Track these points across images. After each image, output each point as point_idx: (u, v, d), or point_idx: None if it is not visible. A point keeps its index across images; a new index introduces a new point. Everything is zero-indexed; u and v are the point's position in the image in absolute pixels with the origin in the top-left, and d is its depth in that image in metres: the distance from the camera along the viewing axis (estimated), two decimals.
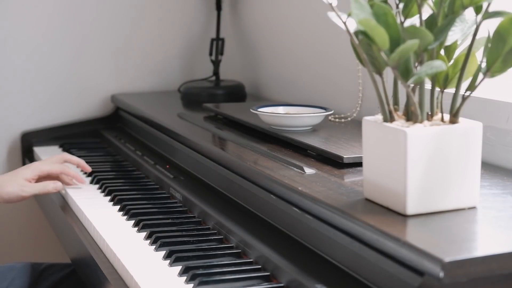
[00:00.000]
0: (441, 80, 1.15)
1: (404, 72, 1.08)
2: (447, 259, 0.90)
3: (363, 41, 1.08)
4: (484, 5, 1.06)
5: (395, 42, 1.05)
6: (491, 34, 1.05)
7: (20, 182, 1.67)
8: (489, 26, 1.08)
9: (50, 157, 1.79)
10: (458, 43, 1.15)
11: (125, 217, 1.54)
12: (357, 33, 1.08)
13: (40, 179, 1.73)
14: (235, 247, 1.32)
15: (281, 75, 2.26)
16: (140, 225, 1.46)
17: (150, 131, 2.04)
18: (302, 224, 1.22)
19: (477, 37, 1.09)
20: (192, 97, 2.31)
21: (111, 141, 2.22)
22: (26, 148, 2.32)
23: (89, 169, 1.82)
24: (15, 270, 1.73)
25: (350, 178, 1.31)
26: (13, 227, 2.40)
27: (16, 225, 2.40)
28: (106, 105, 2.45)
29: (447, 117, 1.11)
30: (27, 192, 1.67)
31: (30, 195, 1.68)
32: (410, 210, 1.06)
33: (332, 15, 1.10)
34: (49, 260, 2.20)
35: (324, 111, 1.67)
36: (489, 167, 1.37)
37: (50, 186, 1.68)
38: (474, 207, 1.10)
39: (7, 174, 1.73)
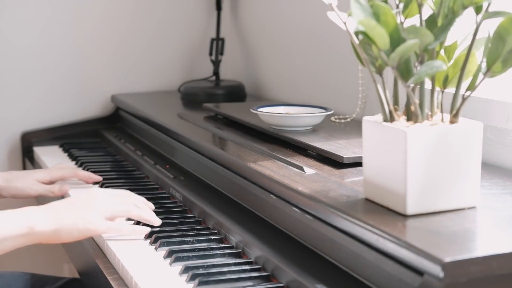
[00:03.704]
0: (441, 80, 1.15)
1: (404, 72, 1.08)
2: (447, 259, 0.90)
3: (363, 41, 1.08)
4: (484, 5, 1.06)
5: (395, 42, 1.05)
6: (491, 34, 1.05)
7: (31, 181, 1.73)
8: (489, 26, 1.08)
9: (61, 166, 1.83)
10: (458, 43, 1.15)
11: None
12: (357, 33, 1.08)
13: (51, 183, 1.77)
14: (235, 247, 1.32)
15: (281, 75, 2.26)
16: (140, 225, 1.46)
17: (150, 131, 2.04)
18: (302, 224, 1.22)
19: (477, 37, 1.09)
20: (192, 97, 2.31)
21: (111, 141, 2.22)
22: (26, 148, 2.32)
23: (98, 178, 1.81)
24: (11, 279, 1.71)
25: (350, 178, 1.31)
26: None
27: None
28: (106, 105, 2.45)
29: (447, 117, 1.11)
30: (34, 190, 1.72)
31: (37, 194, 1.73)
32: (410, 210, 1.06)
33: (332, 15, 1.10)
34: (48, 259, 2.21)
35: (324, 111, 1.67)
36: (489, 167, 1.37)
37: (56, 188, 1.73)
38: (474, 207, 1.10)
39: (20, 172, 1.79)
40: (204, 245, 1.35)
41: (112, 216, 1.40)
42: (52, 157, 2.15)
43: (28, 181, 1.73)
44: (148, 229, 1.41)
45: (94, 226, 1.36)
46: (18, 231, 1.30)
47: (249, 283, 1.17)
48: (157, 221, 1.44)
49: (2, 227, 1.29)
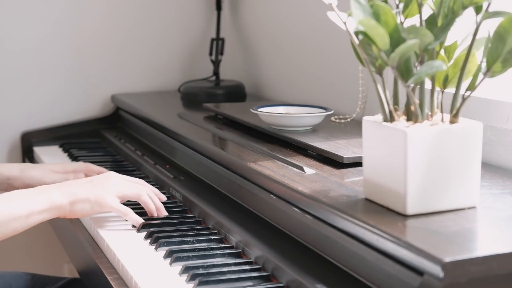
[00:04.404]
0: (441, 80, 1.15)
1: (404, 72, 1.08)
2: (447, 259, 0.90)
3: (363, 41, 1.08)
4: (484, 5, 1.06)
5: (395, 42, 1.05)
6: (491, 34, 1.05)
7: (45, 170, 1.74)
8: (489, 26, 1.08)
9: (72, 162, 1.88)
10: (458, 43, 1.15)
11: None
12: (357, 33, 1.08)
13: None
14: (235, 247, 1.32)
15: (281, 75, 2.26)
16: (140, 225, 1.46)
17: (150, 131, 2.04)
18: (302, 224, 1.22)
19: (477, 37, 1.09)
20: (192, 97, 2.32)
21: (111, 141, 2.22)
22: (26, 148, 2.32)
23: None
24: (11, 278, 1.71)
25: (350, 178, 1.31)
26: None
27: None
28: (106, 105, 2.45)
29: (447, 117, 1.11)
30: (50, 178, 1.72)
31: (52, 182, 1.72)
32: (410, 210, 1.06)
33: (332, 15, 1.10)
34: (48, 259, 2.20)
35: (324, 111, 1.67)
36: (489, 167, 1.37)
37: (71, 177, 1.74)
38: (474, 207, 1.10)
39: (34, 164, 1.80)
40: (204, 245, 1.35)
41: (122, 196, 1.47)
42: (52, 157, 2.15)
43: (42, 170, 1.73)
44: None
45: (104, 201, 1.44)
46: (41, 206, 1.38)
47: (249, 283, 1.17)
48: (162, 213, 1.51)
49: (27, 203, 1.37)
